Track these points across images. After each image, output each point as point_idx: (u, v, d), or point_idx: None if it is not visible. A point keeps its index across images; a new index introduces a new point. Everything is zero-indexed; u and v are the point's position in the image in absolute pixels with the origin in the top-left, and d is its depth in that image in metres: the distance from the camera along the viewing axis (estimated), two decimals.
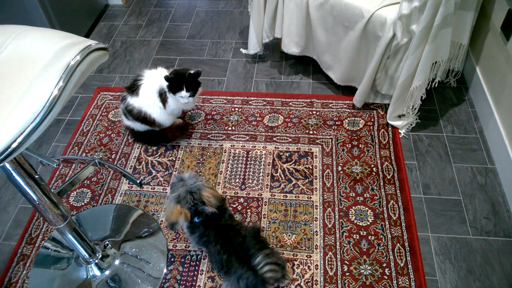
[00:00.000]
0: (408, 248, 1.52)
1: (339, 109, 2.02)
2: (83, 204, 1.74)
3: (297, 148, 1.86)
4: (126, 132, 1.99)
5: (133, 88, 1.76)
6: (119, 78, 2.32)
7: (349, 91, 2.08)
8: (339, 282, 1.45)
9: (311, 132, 1.93)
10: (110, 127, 2.03)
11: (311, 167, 1.79)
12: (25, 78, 0.81)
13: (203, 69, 2.33)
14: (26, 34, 0.91)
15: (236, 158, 1.85)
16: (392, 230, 1.57)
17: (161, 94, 1.75)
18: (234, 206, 1.68)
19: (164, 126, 1.88)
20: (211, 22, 2.68)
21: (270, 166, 1.81)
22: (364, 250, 1.53)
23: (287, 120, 2.00)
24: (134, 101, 1.76)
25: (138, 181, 1.44)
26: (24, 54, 0.87)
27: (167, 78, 1.66)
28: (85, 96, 2.21)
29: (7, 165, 1.03)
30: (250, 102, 2.10)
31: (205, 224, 1.38)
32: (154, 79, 1.76)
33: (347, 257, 1.51)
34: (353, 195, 1.68)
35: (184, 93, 1.67)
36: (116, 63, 2.42)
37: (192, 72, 1.67)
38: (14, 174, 1.05)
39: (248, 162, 1.83)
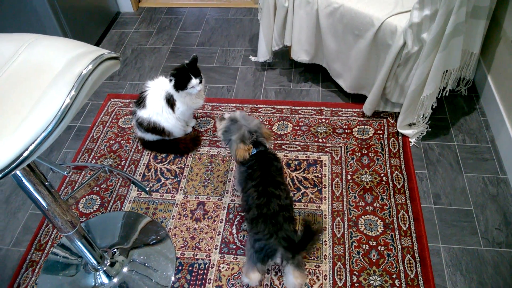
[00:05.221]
0: (418, 259, 1.50)
1: (349, 117, 2.01)
2: (92, 211, 1.74)
3: (306, 156, 1.86)
4: (135, 139, 2.00)
5: (140, 101, 1.79)
6: (129, 85, 2.33)
7: (359, 99, 2.07)
8: None
9: (320, 140, 1.92)
10: (120, 134, 2.04)
11: (320, 176, 1.78)
12: (38, 86, 0.82)
13: (212, 77, 2.34)
14: (38, 43, 0.92)
15: None
16: (402, 240, 1.55)
17: (168, 100, 1.76)
18: (243, 214, 1.67)
19: (174, 136, 1.89)
20: (221, 30, 2.69)
21: None
22: (374, 260, 1.51)
23: (296, 128, 1.99)
24: (143, 113, 1.78)
25: (146, 189, 1.45)
26: (37, 63, 0.88)
27: (172, 74, 1.68)
28: (95, 103, 2.23)
29: (18, 172, 1.03)
30: (259, 110, 2.10)
31: (257, 158, 1.44)
32: (158, 87, 1.78)
33: (356, 267, 1.50)
34: (363, 205, 1.67)
35: (194, 81, 1.69)
36: (127, 70, 2.43)
37: (188, 61, 1.71)
38: (25, 181, 1.06)
39: None
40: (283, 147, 1.91)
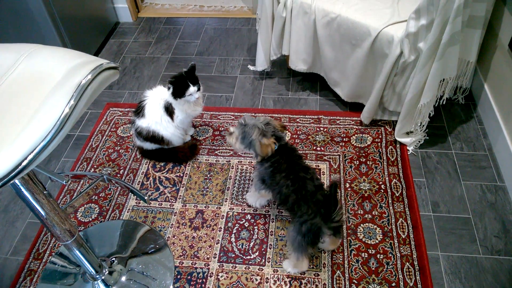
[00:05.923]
0: (417, 267, 1.50)
1: (347, 126, 2.02)
2: (90, 219, 1.74)
3: None
4: (134, 147, 2.00)
5: (139, 110, 1.80)
6: (128, 94, 2.34)
7: (357, 107, 2.08)
8: None
9: (318, 148, 1.93)
10: (118, 143, 2.04)
11: None
12: (37, 96, 0.82)
13: (211, 86, 2.35)
14: (38, 53, 0.93)
15: (243, 174, 1.85)
16: (401, 248, 1.55)
17: (167, 108, 1.77)
18: (241, 223, 1.67)
19: (173, 144, 1.89)
20: (219, 40, 2.71)
21: None
22: (373, 269, 1.51)
23: (294, 136, 2.00)
24: (142, 122, 1.78)
25: (145, 197, 1.45)
26: (36, 73, 0.88)
27: (170, 82, 1.69)
28: (94, 112, 2.24)
29: (17, 181, 1.04)
30: None
31: (280, 153, 1.45)
32: (156, 96, 1.79)
33: (355, 276, 1.49)
34: (361, 213, 1.67)
35: (191, 88, 1.70)
36: (126, 80, 2.45)
37: (186, 69, 1.72)
38: (23, 190, 1.06)
39: None
40: None
